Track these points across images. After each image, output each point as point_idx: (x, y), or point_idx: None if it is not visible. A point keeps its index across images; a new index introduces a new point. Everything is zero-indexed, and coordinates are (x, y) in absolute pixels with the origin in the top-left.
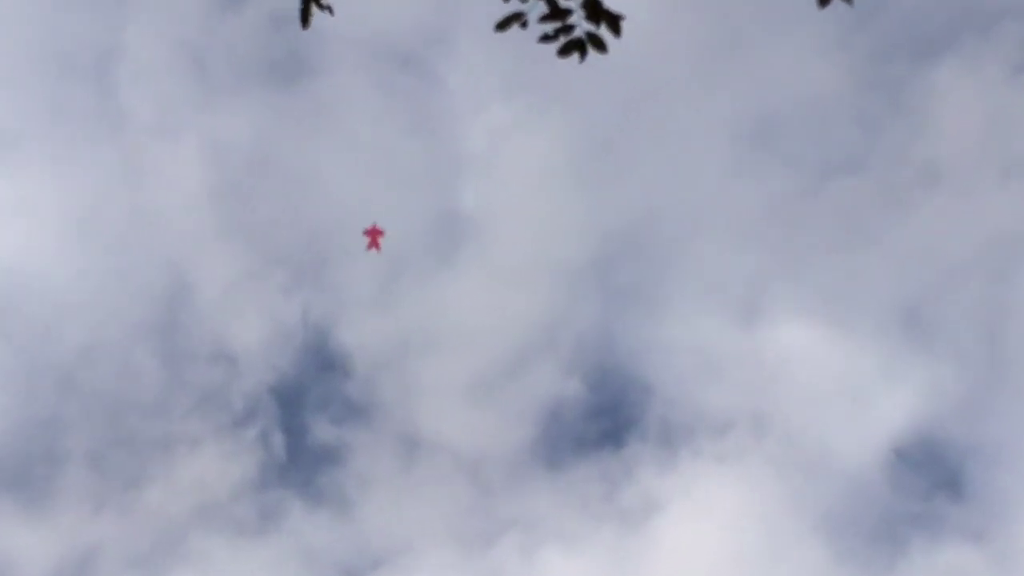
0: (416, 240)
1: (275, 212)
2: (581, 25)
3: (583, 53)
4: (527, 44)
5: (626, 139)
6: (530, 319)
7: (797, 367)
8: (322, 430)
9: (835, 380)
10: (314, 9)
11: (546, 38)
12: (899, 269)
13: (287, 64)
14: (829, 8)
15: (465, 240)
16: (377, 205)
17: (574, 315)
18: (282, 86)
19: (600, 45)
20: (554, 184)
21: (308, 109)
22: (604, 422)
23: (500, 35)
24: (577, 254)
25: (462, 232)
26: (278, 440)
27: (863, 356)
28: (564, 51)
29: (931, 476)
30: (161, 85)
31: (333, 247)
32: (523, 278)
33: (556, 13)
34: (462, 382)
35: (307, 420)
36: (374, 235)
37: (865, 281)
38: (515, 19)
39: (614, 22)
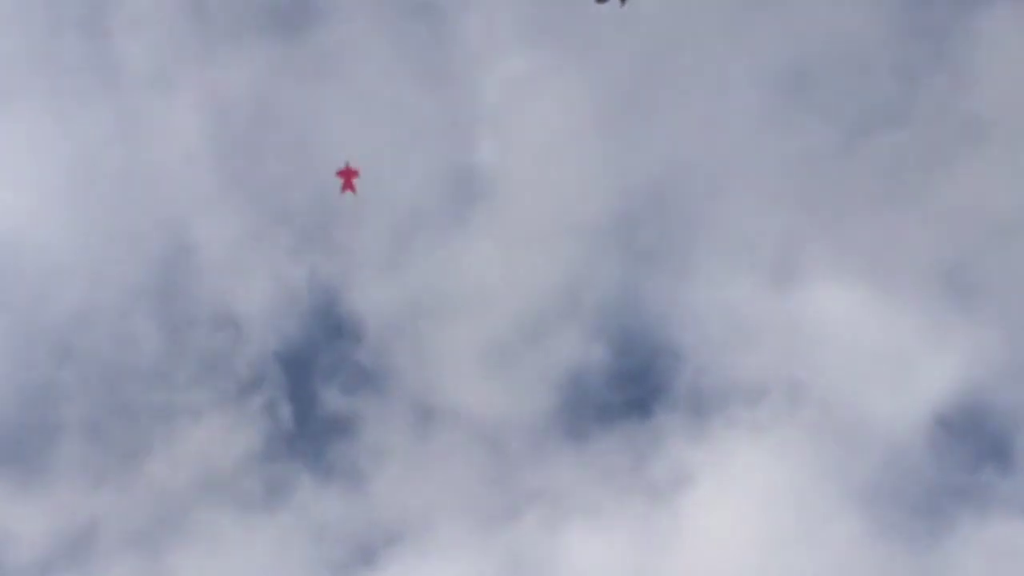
0: (429, 198)
1: (280, 169)
2: None
3: None
4: None
5: (650, 90)
6: (550, 281)
7: (834, 331)
8: (332, 399)
9: (875, 345)
10: None
11: None
12: (942, 227)
13: (291, 11)
14: None
15: (481, 198)
16: (388, 160)
17: (597, 277)
18: (286, 35)
19: None
20: (574, 138)
21: (314, 59)
22: (630, 390)
23: None
24: (599, 212)
25: (478, 189)
26: (285, 410)
27: (904, 319)
28: None
29: (977, 446)
30: (158, 34)
31: (341, 206)
32: (542, 238)
33: None
34: (479, 348)
35: (316, 388)
36: (348, 176)
37: (906, 240)
38: None
39: None
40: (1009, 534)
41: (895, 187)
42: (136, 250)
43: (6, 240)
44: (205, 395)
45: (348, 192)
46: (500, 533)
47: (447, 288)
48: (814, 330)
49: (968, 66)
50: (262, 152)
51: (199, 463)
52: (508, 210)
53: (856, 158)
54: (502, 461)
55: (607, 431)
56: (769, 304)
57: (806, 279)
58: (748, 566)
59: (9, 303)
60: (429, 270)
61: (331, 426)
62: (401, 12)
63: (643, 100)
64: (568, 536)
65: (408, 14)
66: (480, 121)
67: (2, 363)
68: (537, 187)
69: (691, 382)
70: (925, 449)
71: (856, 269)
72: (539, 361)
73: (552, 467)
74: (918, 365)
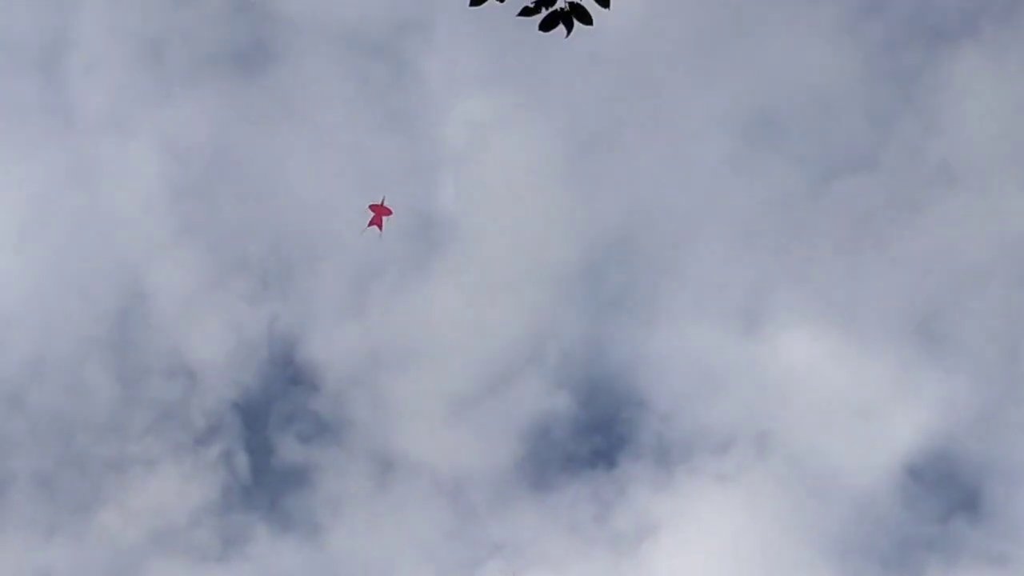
0: (391, 245)
1: (238, 214)
2: None
3: (568, 26)
4: (510, 31)
5: (617, 134)
6: (514, 329)
7: (803, 380)
8: (289, 449)
9: (844, 394)
10: None
11: (526, 11)
12: (912, 275)
13: (251, 54)
14: None
15: (444, 244)
16: (348, 206)
17: (562, 325)
18: (246, 78)
19: (585, 17)
20: (540, 184)
21: (274, 103)
22: (595, 439)
23: (480, 22)
24: (565, 259)
25: (441, 236)
26: (242, 460)
27: (874, 368)
28: (546, 25)
29: (947, 496)
30: (114, 77)
31: (301, 252)
32: (506, 285)
33: None
34: (441, 397)
35: (273, 438)
36: (380, 213)
37: (876, 288)
38: None
39: None
40: None
41: (864, 233)
42: (90, 297)
43: None
44: (160, 446)
45: (373, 228)
46: None
47: (408, 337)
48: (782, 378)
49: (938, 112)
50: (220, 197)
51: (154, 515)
52: (471, 256)
53: (826, 204)
54: (464, 513)
55: (571, 481)
56: (737, 352)
57: (774, 326)
58: None
59: None
60: (390, 318)
61: (289, 477)
62: (361, 54)
63: (609, 144)
64: None
65: (368, 56)
66: (442, 165)
67: None
68: (501, 233)
69: (657, 431)
70: (894, 500)
71: (825, 316)
72: (502, 411)
73: (515, 518)
74: (887, 414)
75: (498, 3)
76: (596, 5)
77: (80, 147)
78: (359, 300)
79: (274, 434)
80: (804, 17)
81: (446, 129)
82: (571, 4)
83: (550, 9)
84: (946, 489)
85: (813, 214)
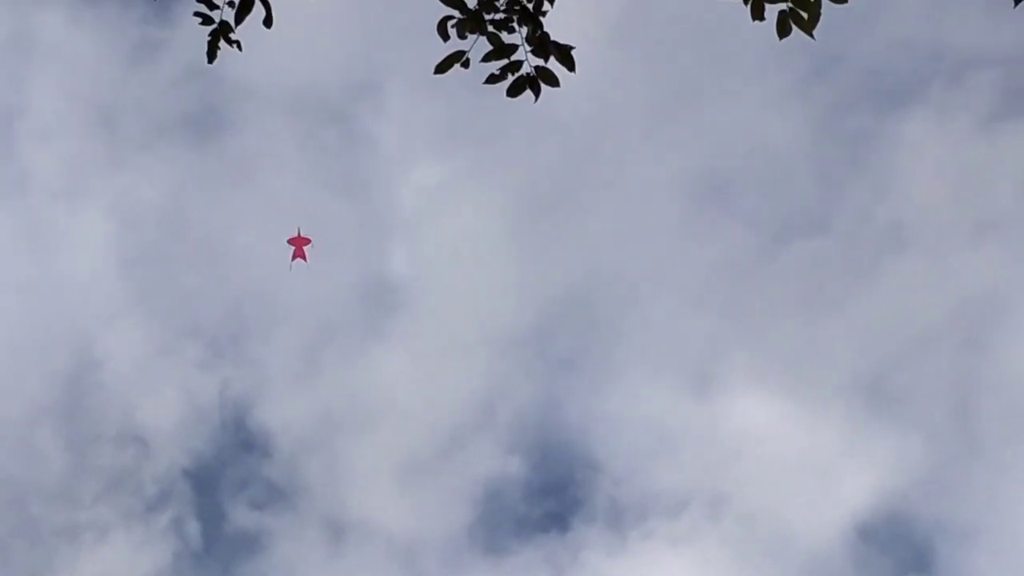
0: (343, 309)
1: (190, 280)
2: (529, 61)
3: (536, 90)
4: (463, 95)
5: (568, 198)
6: (467, 393)
7: (755, 441)
8: (241, 516)
9: (796, 455)
10: (223, 46)
11: (493, 78)
12: (863, 336)
13: (202, 120)
14: (786, 55)
15: (396, 309)
16: (301, 272)
17: (514, 388)
18: (197, 143)
19: (551, 80)
20: (492, 247)
21: (225, 168)
22: (548, 503)
23: (432, 87)
24: (517, 322)
25: (393, 300)
26: (193, 527)
27: (826, 429)
28: (514, 91)
29: (899, 556)
30: (66, 144)
31: (253, 317)
32: (458, 348)
33: (500, 50)
34: (394, 462)
35: (225, 505)
36: (299, 244)
37: (827, 349)
38: (455, 59)
39: (565, 54)
40: None
41: (816, 295)
42: (41, 364)
43: None
44: (111, 513)
45: (299, 261)
46: None
47: (361, 402)
48: (735, 440)
49: (888, 174)
50: (172, 263)
51: None
52: (424, 321)
53: (777, 266)
54: None
55: (524, 546)
56: (690, 413)
57: (727, 388)
58: None
59: None
60: (342, 383)
61: (241, 543)
62: (314, 120)
63: (561, 208)
64: None
65: (321, 122)
66: (394, 230)
67: None
68: (453, 296)
69: (610, 494)
70: (847, 560)
71: (777, 378)
72: (455, 475)
73: None
74: (840, 475)
75: (463, 69)
76: (562, 68)
77: (32, 213)
78: (312, 365)
79: (226, 500)
80: (754, 82)
81: (399, 193)
82: (537, 68)
83: (516, 75)
84: (898, 549)
85: (765, 276)
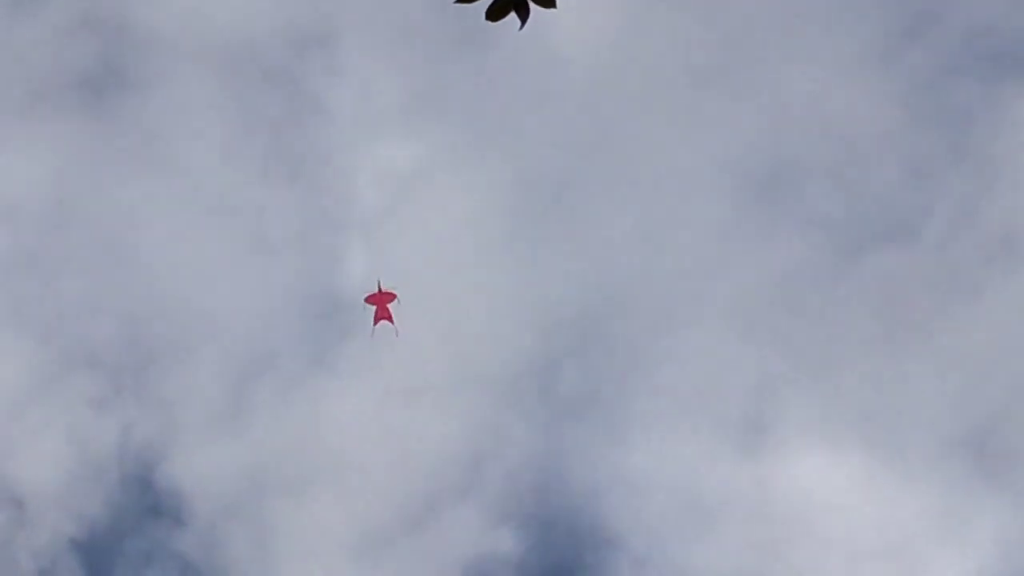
0: (283, 332)
1: (81, 290)
2: None
3: (523, 13)
4: (441, 53)
5: (579, 190)
6: (444, 444)
7: (818, 514)
8: None
9: (873, 533)
10: None
11: None
12: (962, 376)
13: (98, 79)
14: (869, 11)
15: (351, 331)
16: (225, 282)
17: (507, 439)
18: (91, 110)
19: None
20: (478, 252)
21: (128, 143)
22: None
23: (402, 40)
24: (511, 352)
25: (348, 320)
26: None
27: (913, 500)
28: (495, 12)
29: None
30: None
31: (164, 341)
32: (434, 386)
33: None
34: (346, 534)
35: None
36: (382, 302)
37: (915, 393)
38: None
39: None
40: None
41: (902, 322)
42: None
43: None
44: None
45: (382, 323)
46: None
47: (303, 454)
48: (791, 512)
49: (996, 165)
50: (57, 268)
51: None
52: (387, 348)
53: (849, 283)
54: None
55: None
56: (733, 476)
57: (782, 443)
58: None
59: None
60: (278, 429)
61: None
62: (246, 81)
63: (568, 201)
64: None
65: (255, 84)
66: (350, 227)
67: None
68: (427, 316)
69: None
70: None
71: (848, 431)
72: (427, 551)
73: None
74: (928, 559)
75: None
76: None
77: None
78: (239, 405)
79: None
80: (826, 44)
81: (356, 179)
82: None
83: None
84: None
85: (835, 297)
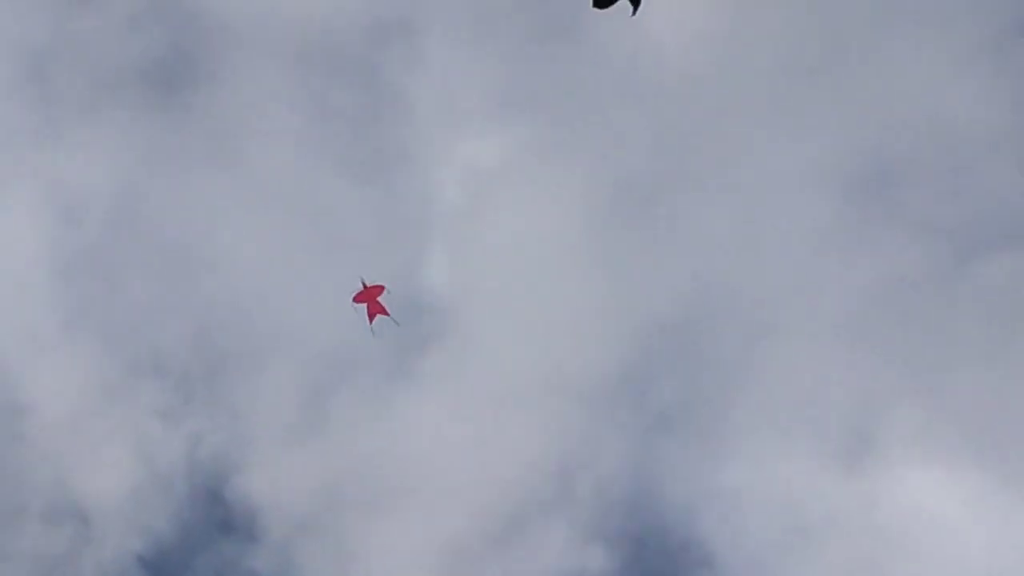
0: (358, 339)
1: (148, 296)
2: None
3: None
4: (527, 47)
5: (671, 190)
6: (531, 457)
7: (929, 533)
8: None
9: (982, 554)
10: None
11: None
12: None
13: (168, 72)
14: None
15: (433, 338)
16: (303, 284)
17: (596, 453)
18: (160, 105)
19: None
20: (564, 255)
21: (197, 140)
22: None
23: (487, 32)
24: (599, 360)
25: (429, 327)
26: None
27: None
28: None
29: None
30: None
31: (235, 350)
32: (519, 396)
33: None
34: (428, 551)
35: None
36: (370, 297)
37: None
38: None
39: None
40: None
41: (1011, 333)
42: None
43: None
44: None
45: (378, 318)
46: None
47: (380, 468)
48: (900, 530)
49: None
50: (122, 272)
51: None
52: (469, 356)
53: (962, 289)
54: None
55: None
56: (837, 492)
57: (888, 458)
58: None
59: None
60: (356, 440)
61: None
62: (323, 74)
63: (660, 202)
64: None
65: (333, 77)
66: (432, 229)
67: None
68: (511, 323)
69: None
70: None
71: (961, 446)
72: (512, 570)
73: None
74: None
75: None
76: None
77: None
78: (314, 414)
79: None
80: (936, 40)
81: (439, 178)
82: None
83: None
84: None
85: (946, 304)
